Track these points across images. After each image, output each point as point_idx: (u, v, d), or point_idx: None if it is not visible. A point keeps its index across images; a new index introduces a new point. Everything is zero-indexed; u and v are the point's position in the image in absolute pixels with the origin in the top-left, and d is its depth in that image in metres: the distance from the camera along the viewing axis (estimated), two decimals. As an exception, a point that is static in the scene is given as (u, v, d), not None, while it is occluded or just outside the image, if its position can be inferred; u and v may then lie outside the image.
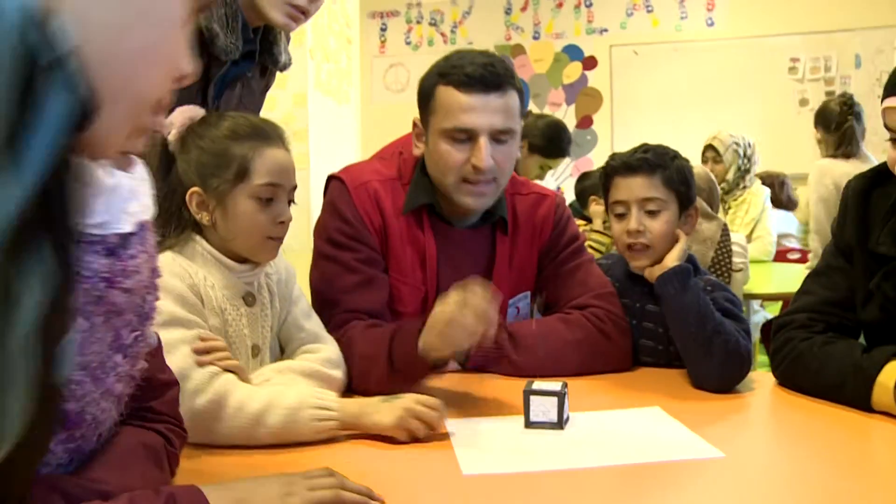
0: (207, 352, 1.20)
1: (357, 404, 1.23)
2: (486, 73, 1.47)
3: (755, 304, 3.48)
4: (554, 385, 1.26)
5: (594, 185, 3.81)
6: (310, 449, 1.17)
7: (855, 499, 0.97)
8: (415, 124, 1.60)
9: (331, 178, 1.65)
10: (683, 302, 1.49)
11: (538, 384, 1.27)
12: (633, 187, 1.59)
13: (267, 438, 1.16)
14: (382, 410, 1.20)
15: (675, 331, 1.53)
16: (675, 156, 1.63)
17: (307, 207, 3.68)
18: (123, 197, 0.78)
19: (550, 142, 3.55)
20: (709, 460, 1.11)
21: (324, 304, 1.55)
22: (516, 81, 1.53)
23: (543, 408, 1.24)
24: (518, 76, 1.55)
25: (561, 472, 1.08)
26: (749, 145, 4.06)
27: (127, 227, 0.77)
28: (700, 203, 2.77)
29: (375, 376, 1.40)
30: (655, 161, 1.59)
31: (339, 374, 1.41)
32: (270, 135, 1.33)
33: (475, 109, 1.47)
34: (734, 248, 2.91)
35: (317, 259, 1.60)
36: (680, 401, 1.41)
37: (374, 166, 1.67)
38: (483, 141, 1.47)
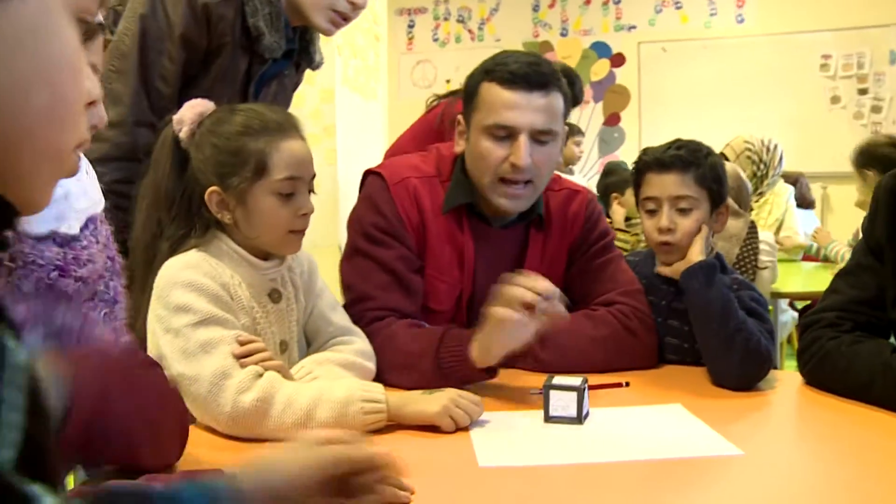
0: (248, 354, 1.21)
1: (401, 396, 1.25)
2: (530, 72, 1.47)
3: (783, 303, 3.45)
4: (574, 380, 1.26)
5: (616, 182, 3.81)
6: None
7: (879, 500, 0.97)
8: (458, 121, 1.59)
9: (368, 173, 1.65)
10: (707, 297, 1.49)
11: (558, 379, 1.27)
12: (665, 184, 1.58)
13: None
14: (427, 400, 1.23)
15: (696, 326, 1.53)
16: (709, 153, 1.61)
17: (335, 203, 3.70)
18: (73, 198, 0.80)
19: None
20: (727, 458, 1.11)
21: (356, 298, 1.55)
22: (562, 84, 1.52)
23: (563, 402, 1.25)
24: (564, 80, 1.54)
25: (576, 467, 1.09)
26: (769, 149, 3.99)
27: (76, 226, 0.79)
28: (728, 200, 2.80)
29: (418, 372, 1.41)
30: (689, 158, 1.58)
31: (372, 366, 1.43)
32: (285, 126, 1.32)
33: (518, 106, 1.46)
34: (762, 245, 2.91)
35: (351, 253, 1.60)
36: (704, 398, 1.41)
37: (413, 162, 1.66)
38: (523, 139, 1.47)
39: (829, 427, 1.29)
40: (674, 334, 1.62)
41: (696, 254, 1.54)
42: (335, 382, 1.25)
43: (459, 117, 1.59)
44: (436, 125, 2.73)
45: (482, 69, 1.53)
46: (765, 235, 3.03)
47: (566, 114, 1.55)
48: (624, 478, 1.06)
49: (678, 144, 1.61)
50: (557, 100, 1.50)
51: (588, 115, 6.86)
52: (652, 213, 1.61)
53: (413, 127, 2.83)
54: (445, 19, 7.18)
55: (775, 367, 1.53)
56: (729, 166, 3.00)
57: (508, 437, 1.21)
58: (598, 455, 1.12)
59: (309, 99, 3.85)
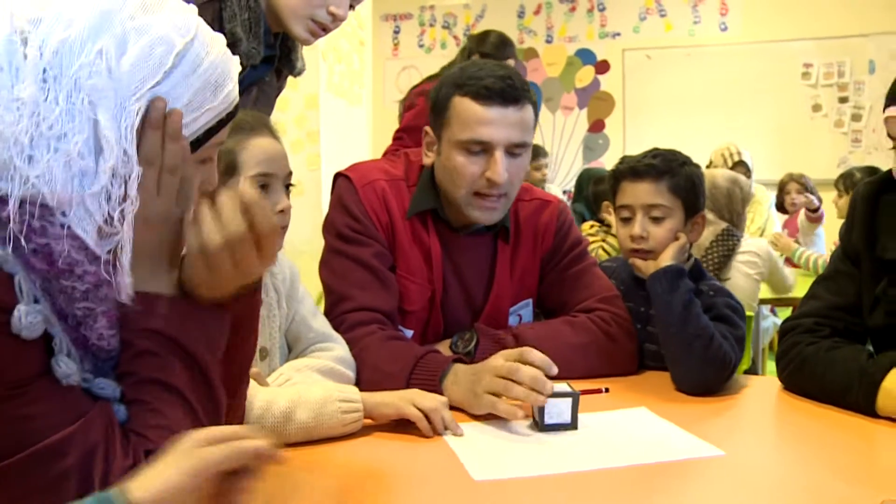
0: None
1: (371, 395, 1.27)
2: (505, 87, 1.47)
3: (764, 309, 3.47)
4: (564, 387, 1.27)
5: (606, 190, 3.82)
6: (319, 467, 1.18)
7: (854, 502, 0.98)
8: (426, 133, 1.59)
9: (338, 176, 1.66)
10: (669, 301, 1.50)
11: (551, 386, 1.26)
12: (638, 193, 1.60)
13: (297, 434, 1.18)
14: (393, 394, 1.27)
15: (659, 329, 1.54)
16: (685, 162, 1.62)
17: (318, 208, 3.69)
18: None
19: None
20: (710, 459, 1.12)
21: (336, 299, 1.55)
22: (531, 95, 1.53)
23: (558, 410, 1.25)
24: (533, 91, 1.56)
25: (570, 476, 1.09)
26: (738, 162, 4.05)
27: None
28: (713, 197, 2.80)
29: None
30: (663, 167, 1.58)
31: (351, 373, 1.43)
32: (253, 125, 1.31)
33: (493, 122, 1.47)
34: (749, 257, 2.89)
35: (327, 254, 1.61)
36: (682, 403, 1.42)
37: (382, 165, 1.68)
38: (499, 154, 1.48)
39: (806, 431, 1.29)
40: (652, 340, 1.63)
41: (666, 259, 1.55)
42: (312, 386, 1.26)
43: (427, 129, 1.59)
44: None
45: (452, 82, 1.52)
46: (757, 245, 3.00)
47: (535, 124, 1.56)
48: (621, 483, 1.07)
49: (654, 153, 1.62)
50: (529, 112, 1.52)
51: (573, 122, 6.89)
52: (626, 220, 1.62)
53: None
54: (431, 25, 7.20)
55: (755, 373, 1.53)
56: (721, 174, 3.03)
57: (495, 448, 1.20)
58: (589, 462, 1.13)
59: (293, 104, 3.84)
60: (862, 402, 1.30)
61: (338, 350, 1.43)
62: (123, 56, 0.75)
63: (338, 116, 4.10)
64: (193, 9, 0.82)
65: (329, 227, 1.62)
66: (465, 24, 7.11)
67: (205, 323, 0.85)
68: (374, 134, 4.81)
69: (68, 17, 0.74)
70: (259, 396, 1.18)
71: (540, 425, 1.26)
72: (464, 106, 1.49)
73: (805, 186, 4.67)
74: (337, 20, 1.65)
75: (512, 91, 1.48)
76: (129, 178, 0.75)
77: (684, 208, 1.60)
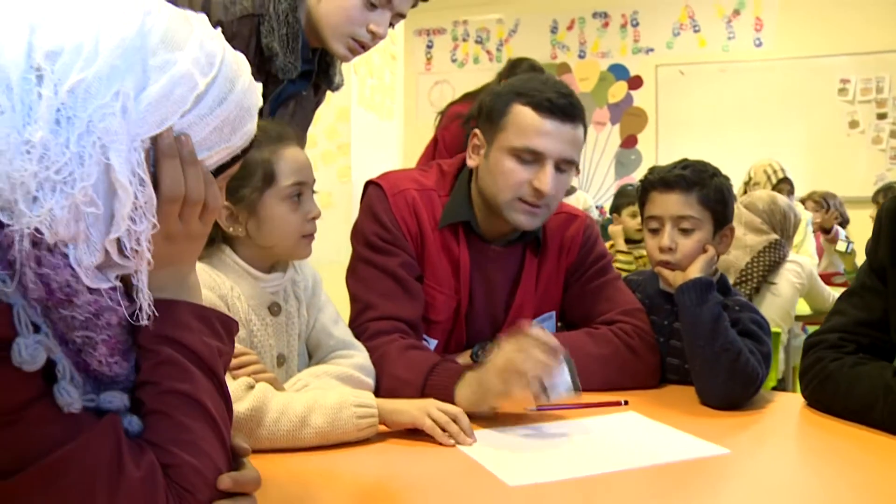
0: (240, 366, 1.22)
1: (385, 401, 1.28)
2: (566, 103, 1.51)
3: (797, 327, 3.42)
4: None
5: (625, 203, 3.85)
6: (349, 476, 1.18)
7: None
8: (474, 135, 1.61)
9: (369, 184, 1.68)
10: (697, 314, 1.49)
11: None
12: (668, 204, 1.59)
13: (312, 439, 1.19)
14: (409, 404, 1.27)
15: (686, 342, 1.53)
16: (715, 173, 1.61)
17: (349, 220, 3.72)
18: None
19: None
20: (725, 471, 1.12)
21: (361, 307, 1.57)
22: (585, 117, 1.57)
23: (560, 378, 1.27)
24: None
25: (597, 478, 1.10)
26: (783, 179, 4.03)
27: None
28: (749, 220, 2.96)
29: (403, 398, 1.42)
30: (693, 178, 1.58)
31: (370, 381, 1.44)
32: (283, 135, 1.34)
33: (550, 135, 1.50)
34: (794, 266, 3.01)
35: (354, 262, 1.63)
36: (703, 417, 1.40)
37: (413, 175, 1.69)
38: (549, 167, 1.51)
39: (828, 448, 1.27)
40: (675, 354, 1.62)
41: (695, 272, 1.54)
42: (328, 391, 1.26)
43: (477, 131, 1.60)
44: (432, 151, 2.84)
45: (514, 90, 1.55)
46: (803, 259, 3.14)
47: (583, 144, 1.59)
48: (651, 483, 1.09)
49: (684, 164, 1.61)
50: (581, 133, 1.55)
51: (605, 138, 6.87)
52: (655, 231, 1.61)
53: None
54: (464, 40, 7.24)
55: (785, 390, 1.51)
56: (767, 194, 3.12)
57: (515, 452, 1.21)
58: (610, 465, 1.15)
59: (324, 117, 3.89)
60: (887, 419, 1.28)
61: (358, 358, 1.44)
62: (141, 95, 0.72)
63: (369, 130, 4.13)
64: (220, 37, 0.80)
65: (357, 235, 1.63)
66: (498, 39, 7.14)
67: (218, 333, 0.86)
68: (406, 147, 4.84)
69: (88, 51, 0.70)
70: (275, 401, 1.19)
71: (549, 397, 1.27)
72: (524, 114, 1.51)
73: (824, 204, 4.60)
74: (377, 38, 1.67)
75: (572, 109, 1.51)
76: (145, 208, 0.73)
77: (713, 220, 1.59)
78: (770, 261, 2.96)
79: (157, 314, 0.78)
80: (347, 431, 1.21)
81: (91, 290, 0.73)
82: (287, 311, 1.40)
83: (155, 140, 0.74)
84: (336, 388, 1.30)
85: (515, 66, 3.12)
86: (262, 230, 1.32)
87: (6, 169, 0.68)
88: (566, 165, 1.53)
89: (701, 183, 1.58)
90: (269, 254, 1.36)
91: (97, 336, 0.75)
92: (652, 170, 1.66)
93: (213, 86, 0.76)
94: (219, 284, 1.31)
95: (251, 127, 0.83)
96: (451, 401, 1.32)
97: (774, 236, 3.00)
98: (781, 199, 3.12)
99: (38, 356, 0.69)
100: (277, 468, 1.10)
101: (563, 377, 1.27)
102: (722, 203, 1.60)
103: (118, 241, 0.73)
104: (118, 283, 0.76)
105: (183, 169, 0.76)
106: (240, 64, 0.81)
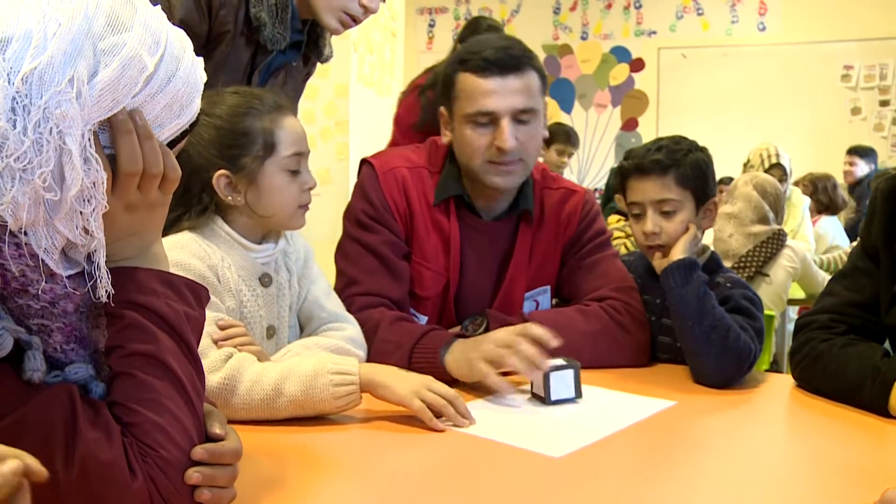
0: (227, 338, 1.21)
1: (374, 369, 1.23)
2: (503, 56, 1.50)
3: (791, 311, 3.43)
4: (560, 360, 1.31)
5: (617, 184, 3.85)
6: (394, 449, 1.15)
7: (858, 499, 0.96)
8: (441, 114, 1.63)
9: (363, 162, 1.69)
10: (683, 295, 1.49)
11: (550, 362, 1.29)
12: (646, 189, 1.58)
13: (287, 408, 1.16)
14: (400, 378, 1.21)
15: (675, 323, 1.53)
16: (691, 149, 1.59)
17: (345, 197, 3.70)
18: None
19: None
20: (712, 458, 1.12)
21: (346, 281, 1.59)
22: (535, 61, 1.55)
23: (563, 383, 1.29)
24: (537, 57, 1.58)
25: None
26: (775, 164, 4.02)
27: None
28: (759, 206, 2.99)
29: (392, 361, 1.41)
30: (668, 161, 1.56)
31: (362, 353, 1.43)
32: (281, 104, 1.33)
33: (495, 92, 1.50)
34: (788, 251, 3.06)
35: (343, 238, 1.65)
36: (693, 395, 1.41)
37: (405, 153, 1.70)
38: (505, 123, 1.50)
39: (815, 428, 1.28)
40: (666, 332, 1.62)
41: (678, 253, 1.54)
42: (306, 358, 1.24)
43: (442, 109, 1.63)
44: (400, 108, 2.87)
45: (456, 59, 1.57)
46: (797, 244, 3.20)
47: (544, 90, 1.59)
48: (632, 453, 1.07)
49: (658, 145, 1.60)
50: (533, 78, 1.54)
51: (605, 120, 6.85)
52: (638, 217, 1.61)
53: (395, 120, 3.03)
54: (466, 19, 7.19)
55: (779, 372, 1.51)
56: (767, 179, 3.13)
57: (535, 419, 1.24)
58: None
59: (323, 93, 3.87)
60: (875, 400, 1.28)
61: (349, 330, 1.44)
62: (93, 79, 0.73)
63: (367, 106, 4.12)
64: (162, 14, 0.81)
65: (348, 213, 1.66)
66: (501, 19, 7.09)
67: (186, 298, 0.86)
68: (405, 125, 4.82)
69: (38, 38, 0.71)
70: (250, 370, 1.17)
71: (547, 400, 1.28)
72: (467, 81, 1.53)
73: (810, 187, 4.59)
74: (368, 12, 1.66)
75: (510, 59, 1.51)
76: (94, 189, 0.74)
77: (694, 198, 1.58)
78: (770, 251, 3.01)
79: (119, 282, 0.79)
80: (323, 399, 1.16)
81: (48, 278, 0.75)
82: (278, 283, 1.39)
83: (108, 119, 0.75)
84: (317, 355, 1.28)
85: (474, 30, 3.09)
86: (261, 200, 1.31)
87: None
88: (524, 115, 1.53)
89: (676, 163, 1.57)
90: (262, 224, 1.35)
91: (52, 324, 0.76)
92: (627, 155, 1.65)
93: (161, 65, 0.78)
94: (209, 254, 1.30)
95: (197, 102, 0.84)
96: (437, 364, 1.36)
97: (776, 227, 3.05)
98: (768, 183, 3.16)
99: (4, 342, 0.71)
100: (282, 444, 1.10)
101: (566, 382, 1.29)
102: (701, 179, 1.59)
103: (73, 222, 0.74)
104: (86, 266, 0.77)
105: (140, 143, 0.78)
106: (183, 41, 0.82)
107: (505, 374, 1.31)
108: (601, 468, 1.07)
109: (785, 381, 1.51)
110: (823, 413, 1.33)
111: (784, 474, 1.06)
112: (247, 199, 1.31)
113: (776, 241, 3.03)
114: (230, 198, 1.30)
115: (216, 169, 1.29)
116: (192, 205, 1.32)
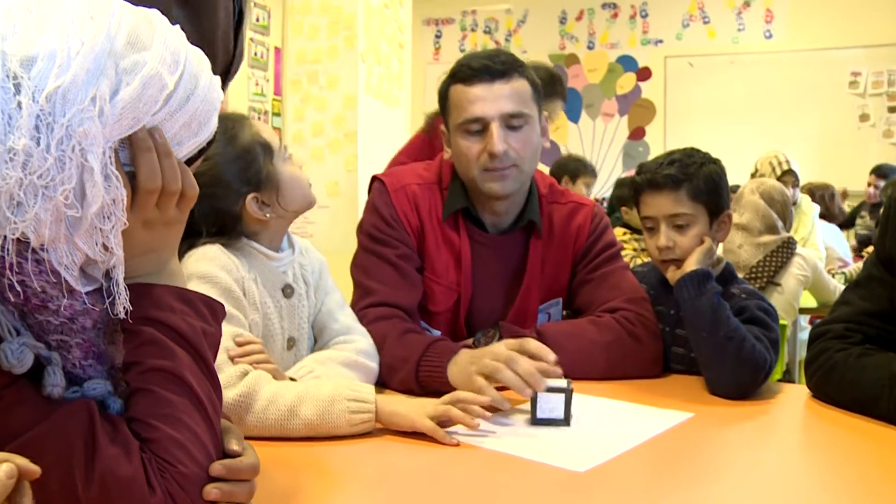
0: (244, 354, 1.22)
1: (391, 400, 1.24)
2: (489, 63, 1.53)
3: (803, 320, 3.42)
4: (559, 382, 1.28)
5: (623, 195, 3.85)
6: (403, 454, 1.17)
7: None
8: (441, 131, 1.67)
9: (374, 179, 1.71)
10: (697, 306, 1.48)
11: (548, 382, 1.27)
12: (659, 204, 1.58)
13: (301, 430, 1.17)
14: (416, 407, 1.21)
15: (690, 335, 1.53)
16: (704, 162, 1.59)
17: (355, 209, 3.72)
18: None
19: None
20: (731, 466, 1.11)
21: (361, 293, 1.61)
22: (525, 69, 1.57)
23: (551, 405, 1.26)
24: (528, 67, 1.60)
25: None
26: (787, 171, 4.01)
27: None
28: (767, 216, 2.99)
29: (400, 376, 1.46)
30: (680, 175, 1.56)
31: (374, 365, 1.45)
32: (237, 115, 1.38)
33: (482, 98, 1.53)
34: (798, 259, 3.05)
35: (357, 251, 1.67)
36: (708, 407, 1.40)
37: (417, 170, 1.73)
38: (494, 127, 1.52)
39: (831, 439, 1.27)
40: (680, 343, 1.61)
41: (692, 264, 1.53)
42: (324, 381, 1.25)
43: (442, 127, 1.66)
44: (425, 135, 2.88)
45: (449, 74, 1.60)
46: (807, 252, 3.18)
47: (538, 99, 1.60)
48: (645, 468, 1.07)
49: (671, 159, 1.59)
50: (521, 84, 1.55)
51: (613, 129, 6.85)
52: (652, 231, 1.61)
53: (409, 141, 3.01)
54: (472, 30, 7.22)
55: (791, 382, 1.50)
56: (774, 185, 3.11)
57: (552, 435, 1.23)
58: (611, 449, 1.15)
59: (331, 105, 3.88)
60: (893, 411, 1.26)
61: (361, 342, 1.45)
62: (115, 98, 0.74)
63: (376, 118, 4.12)
64: (180, 34, 0.81)
65: (361, 228, 1.68)
66: (507, 29, 7.11)
67: (202, 314, 0.87)
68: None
69: (62, 57, 0.71)
70: (266, 388, 1.18)
71: (532, 419, 1.27)
72: (456, 91, 1.57)
73: (811, 196, 4.58)
74: None
75: (495, 66, 1.53)
76: (114, 206, 0.75)
77: (708, 211, 1.58)
78: (781, 260, 3.02)
79: (137, 299, 0.80)
80: (339, 426, 1.17)
81: (67, 294, 0.75)
82: (297, 294, 1.42)
83: (128, 137, 0.76)
84: (333, 380, 1.28)
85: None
86: (286, 197, 1.36)
87: None
88: (515, 120, 1.54)
89: (689, 177, 1.56)
90: (286, 225, 1.40)
91: (71, 339, 0.77)
92: (640, 169, 1.65)
93: (180, 83, 0.78)
94: (237, 266, 1.32)
95: (215, 120, 0.85)
96: (443, 377, 1.37)
97: (786, 236, 3.05)
98: (776, 191, 3.15)
99: (24, 358, 0.72)
100: (301, 458, 1.10)
101: (557, 405, 1.26)
102: (714, 192, 1.58)
103: (93, 239, 0.75)
104: (104, 283, 0.78)
105: (159, 161, 0.78)
106: (201, 60, 0.83)
107: (501, 388, 1.30)
108: (627, 482, 1.07)
109: (800, 391, 1.50)
110: (840, 425, 1.32)
111: (804, 487, 1.05)
112: (278, 203, 1.35)
113: (786, 250, 3.03)
114: (267, 214, 1.34)
115: (244, 197, 1.32)
116: (224, 223, 1.34)
